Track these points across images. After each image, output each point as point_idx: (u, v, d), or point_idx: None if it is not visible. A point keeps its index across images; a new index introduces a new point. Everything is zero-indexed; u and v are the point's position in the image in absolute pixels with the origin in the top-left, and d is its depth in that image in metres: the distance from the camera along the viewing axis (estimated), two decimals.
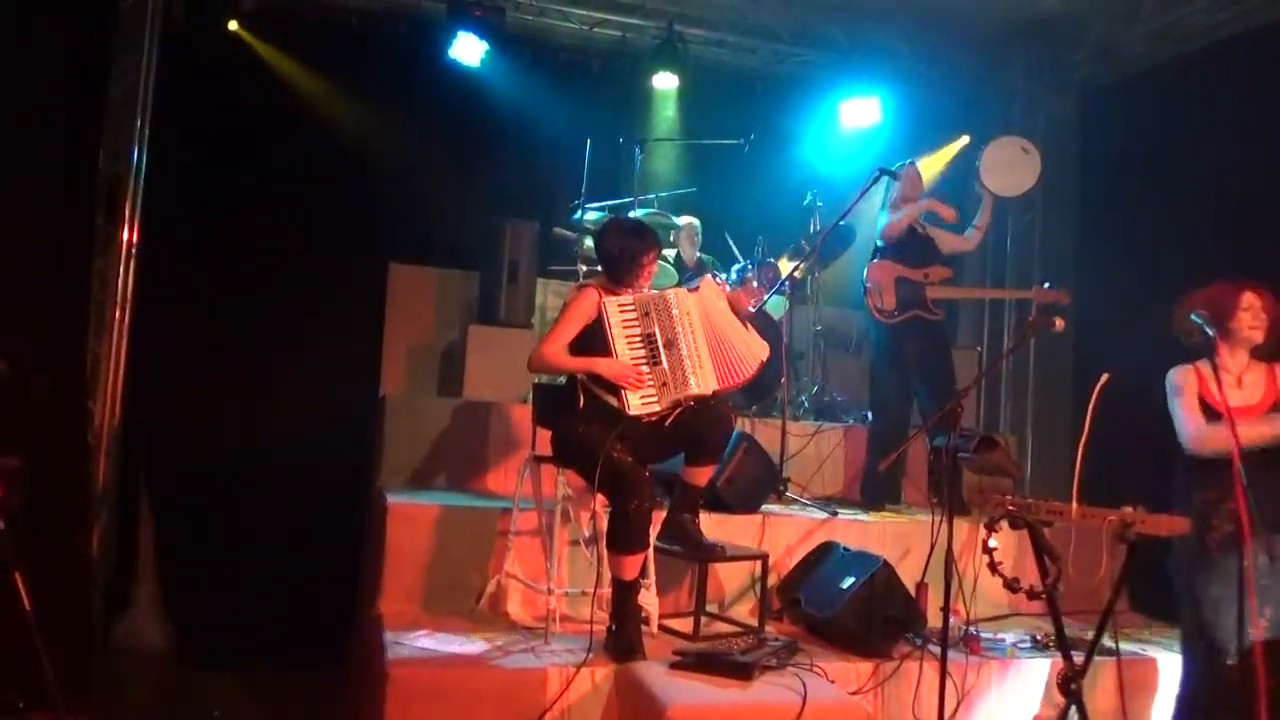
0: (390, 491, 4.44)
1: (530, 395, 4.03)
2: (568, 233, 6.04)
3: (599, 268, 3.74)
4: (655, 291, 3.66)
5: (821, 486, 5.46)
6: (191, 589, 5.32)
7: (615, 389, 3.47)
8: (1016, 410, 6.71)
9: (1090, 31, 6.35)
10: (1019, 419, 6.65)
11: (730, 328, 3.65)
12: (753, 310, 3.68)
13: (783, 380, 5.36)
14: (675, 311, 3.56)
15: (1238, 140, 5.09)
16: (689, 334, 3.54)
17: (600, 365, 3.48)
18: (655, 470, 3.83)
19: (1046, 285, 5.29)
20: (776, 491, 4.98)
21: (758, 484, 4.71)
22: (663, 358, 3.50)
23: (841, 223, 5.13)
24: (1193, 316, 3.20)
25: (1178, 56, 5.92)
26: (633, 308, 3.55)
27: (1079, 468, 2.86)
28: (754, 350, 3.64)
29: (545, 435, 3.74)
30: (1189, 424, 3.28)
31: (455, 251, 6.03)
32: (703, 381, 3.52)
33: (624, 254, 3.59)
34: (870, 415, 5.50)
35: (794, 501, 5.06)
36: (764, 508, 4.73)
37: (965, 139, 6.52)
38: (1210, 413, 3.25)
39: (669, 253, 6.26)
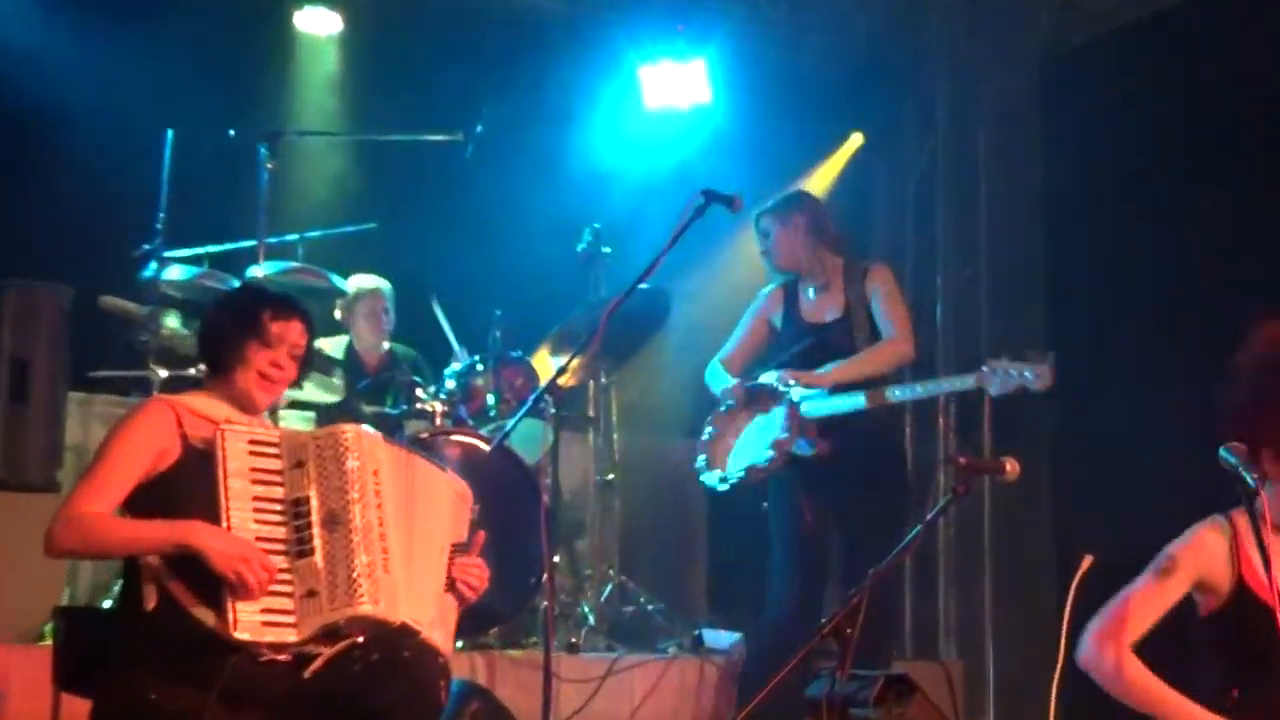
0: None
1: (52, 628, 3.87)
2: (131, 306, 5.92)
3: (199, 367, 3.79)
4: (322, 429, 3.69)
5: None
6: None
7: (217, 590, 3.39)
8: (965, 615, 7.00)
9: None
10: (969, 629, 6.94)
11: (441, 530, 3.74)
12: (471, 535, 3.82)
13: (544, 576, 5.35)
14: (352, 465, 3.53)
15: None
16: (372, 508, 3.52)
17: (201, 535, 3.40)
18: None
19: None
20: None
21: None
22: (316, 544, 3.46)
23: (644, 284, 5.25)
24: (1222, 453, 3.44)
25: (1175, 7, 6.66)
26: (276, 449, 3.54)
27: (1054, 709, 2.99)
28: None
29: (81, 710, 3.57)
30: (1097, 639, 3.52)
31: None
32: (385, 598, 3.47)
33: (224, 328, 3.72)
34: (720, 631, 5.66)
35: None
36: None
37: (857, 139, 6.87)
38: (1252, 604, 3.50)
39: (331, 343, 6.24)
